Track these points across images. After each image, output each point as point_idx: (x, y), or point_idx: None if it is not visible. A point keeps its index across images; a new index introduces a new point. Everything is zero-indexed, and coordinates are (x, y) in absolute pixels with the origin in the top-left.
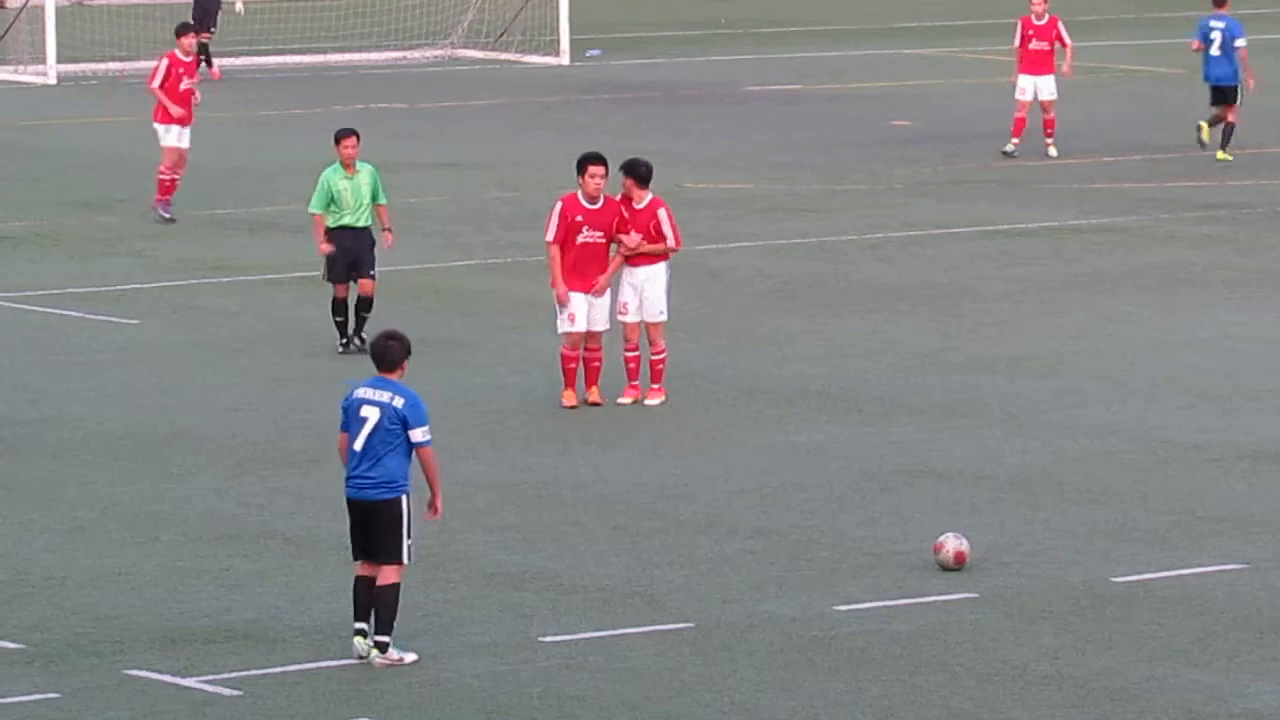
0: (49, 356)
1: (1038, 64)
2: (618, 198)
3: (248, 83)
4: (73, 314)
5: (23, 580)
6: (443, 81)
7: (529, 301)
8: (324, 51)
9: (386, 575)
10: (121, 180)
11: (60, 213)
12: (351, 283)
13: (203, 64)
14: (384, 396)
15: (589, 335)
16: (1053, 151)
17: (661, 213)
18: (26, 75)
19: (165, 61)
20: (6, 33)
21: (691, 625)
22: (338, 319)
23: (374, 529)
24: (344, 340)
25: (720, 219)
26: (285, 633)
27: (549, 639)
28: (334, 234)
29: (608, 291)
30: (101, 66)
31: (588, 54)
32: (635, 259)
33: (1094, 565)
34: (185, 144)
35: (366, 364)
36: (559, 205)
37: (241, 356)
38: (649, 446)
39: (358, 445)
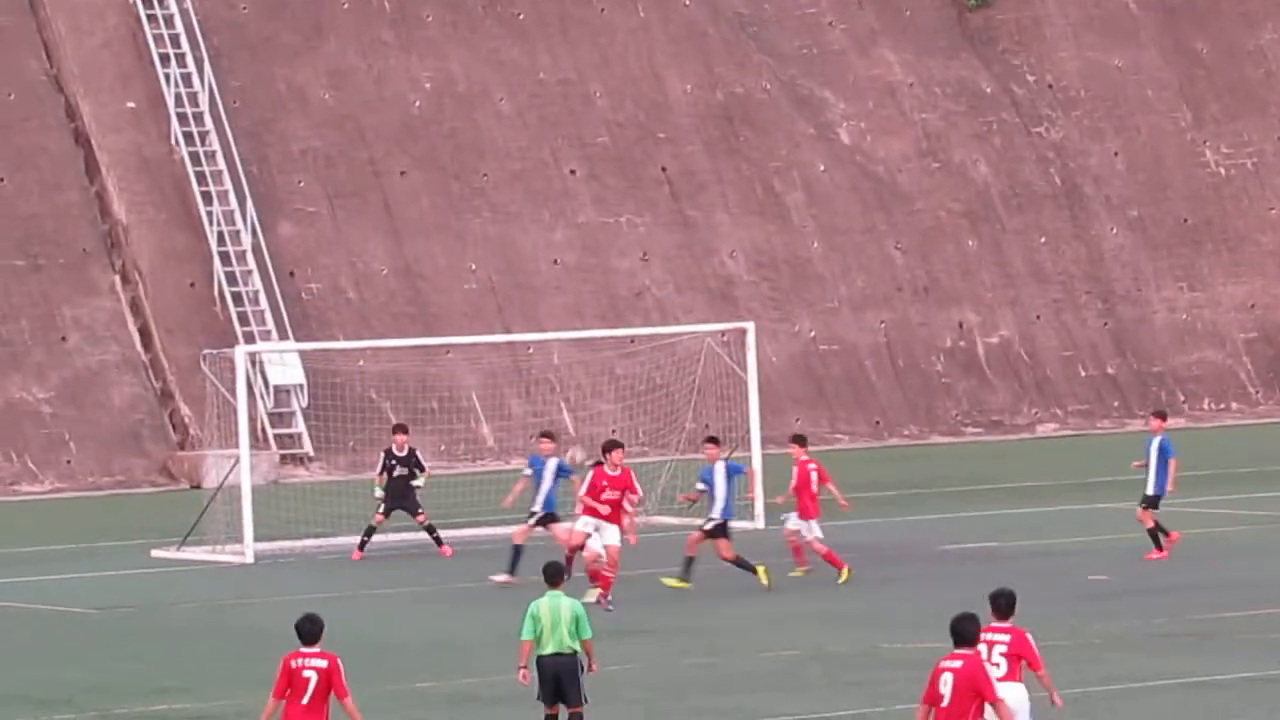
0: None
1: (808, 510)
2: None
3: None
4: None
5: None
6: (640, 551)
7: None
8: (521, 521)
9: None
10: None
11: (262, 691)
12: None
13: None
14: None
15: None
16: (840, 580)
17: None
18: (224, 555)
19: (591, 474)
20: (204, 513)
21: None
22: None
23: None
24: None
25: (919, 679)
26: None
27: None
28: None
29: None
30: (299, 544)
31: (782, 518)
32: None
33: None
34: (614, 541)
35: None
36: None
37: None
38: None
39: None
